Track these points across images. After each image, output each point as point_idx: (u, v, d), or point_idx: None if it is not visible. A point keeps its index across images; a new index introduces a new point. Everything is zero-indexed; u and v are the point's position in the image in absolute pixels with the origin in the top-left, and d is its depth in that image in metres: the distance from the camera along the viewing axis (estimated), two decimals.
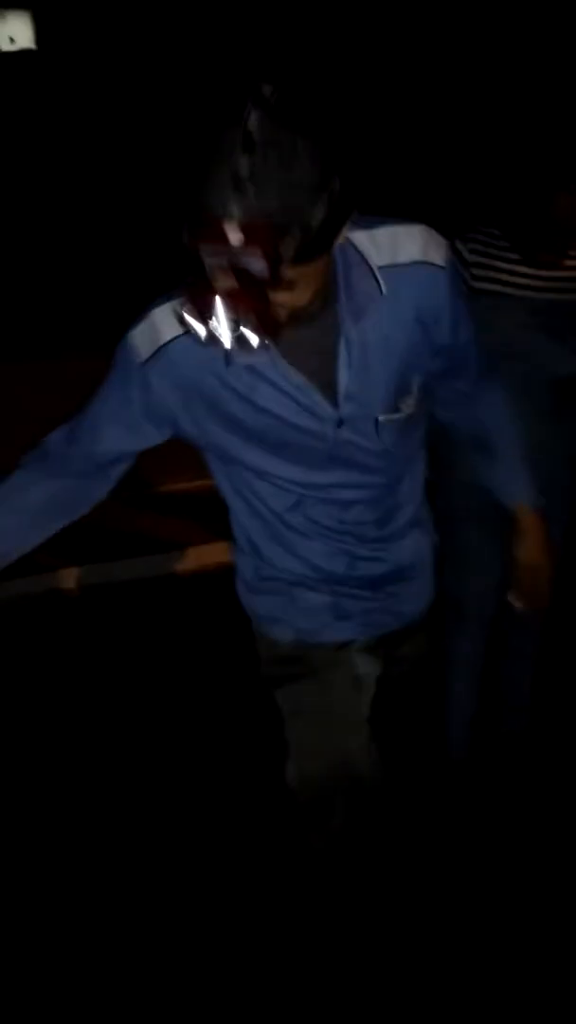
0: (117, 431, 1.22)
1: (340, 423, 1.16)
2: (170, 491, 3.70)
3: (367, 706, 1.41)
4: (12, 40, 8.99)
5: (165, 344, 1.12)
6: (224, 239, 0.87)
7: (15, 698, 2.68)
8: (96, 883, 2.02)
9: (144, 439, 1.24)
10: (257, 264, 0.87)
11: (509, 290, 1.83)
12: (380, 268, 1.09)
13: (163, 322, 1.11)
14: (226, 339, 0.94)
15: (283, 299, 0.97)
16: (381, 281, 1.09)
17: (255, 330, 0.93)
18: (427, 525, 1.45)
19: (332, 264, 1.05)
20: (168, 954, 1.82)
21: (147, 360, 1.13)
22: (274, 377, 1.12)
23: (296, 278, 0.95)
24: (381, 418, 1.18)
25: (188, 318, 0.95)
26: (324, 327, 1.09)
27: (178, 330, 1.08)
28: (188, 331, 1.02)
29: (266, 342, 0.96)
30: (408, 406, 1.21)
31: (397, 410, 1.19)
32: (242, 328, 0.93)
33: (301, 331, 1.06)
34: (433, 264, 1.13)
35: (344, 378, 1.13)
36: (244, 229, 0.87)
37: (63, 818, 2.22)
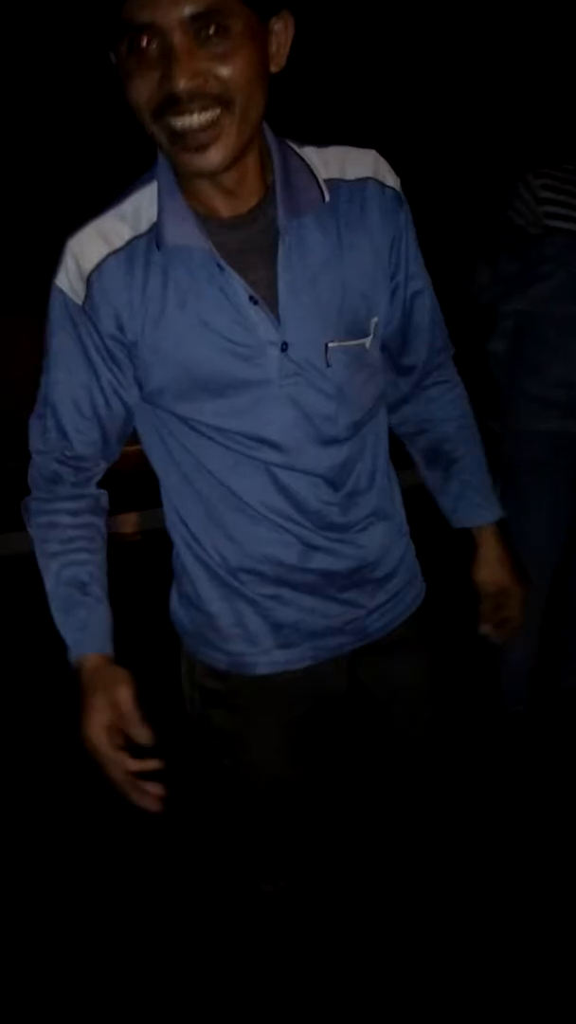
0: (93, 405, 1.06)
1: (284, 347, 1.01)
2: None
3: (309, 737, 1.27)
4: None
5: (93, 270, 0.99)
6: None
7: (22, 650, 2.74)
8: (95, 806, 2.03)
9: (124, 403, 1.08)
10: None
11: None
12: (326, 180, 1.01)
13: (83, 250, 0.99)
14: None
15: (210, 66, 0.85)
16: (325, 190, 1.00)
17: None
18: (398, 525, 1.24)
19: (267, 153, 1.00)
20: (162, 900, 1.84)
21: (85, 298, 1.00)
22: (211, 285, 0.99)
23: (216, 20, 0.83)
24: (331, 344, 1.04)
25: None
26: (263, 227, 0.99)
27: (102, 250, 0.99)
28: (113, 250, 0.98)
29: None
30: (363, 341, 1.08)
31: (347, 340, 1.06)
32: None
33: (239, 234, 0.99)
34: (384, 184, 1.05)
35: (284, 283, 1.00)
36: None
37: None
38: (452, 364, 1.28)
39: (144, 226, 0.99)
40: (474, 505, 1.27)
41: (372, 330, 1.08)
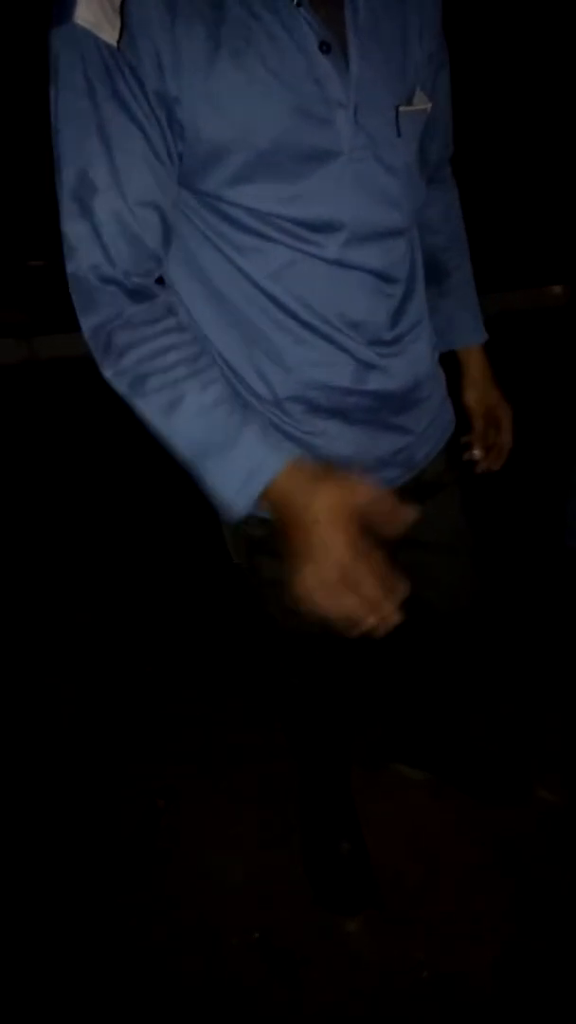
0: (156, 184, 0.83)
1: (356, 110, 0.86)
2: None
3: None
4: None
5: None
6: None
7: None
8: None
9: (174, 169, 0.86)
10: None
11: None
12: None
13: None
14: None
15: None
16: None
17: None
18: (432, 335, 1.13)
19: None
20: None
21: (121, 36, 0.76)
22: (277, 22, 0.81)
23: None
24: (402, 109, 0.90)
25: None
26: None
27: None
28: None
29: None
30: (426, 109, 0.95)
31: (413, 103, 0.92)
32: None
33: None
34: None
35: (353, 26, 0.85)
36: None
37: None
38: (450, 165, 1.18)
39: None
40: (466, 326, 1.23)
41: (421, 98, 0.94)
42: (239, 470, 0.82)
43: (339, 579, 0.77)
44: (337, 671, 1.30)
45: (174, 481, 0.98)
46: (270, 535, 1.09)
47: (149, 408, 0.85)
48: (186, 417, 0.84)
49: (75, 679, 2.06)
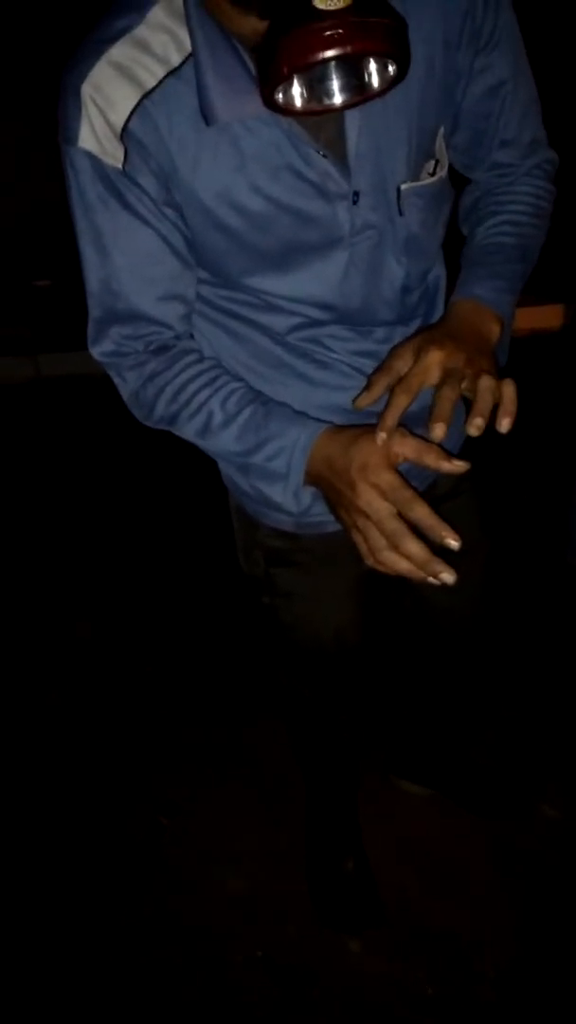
0: (172, 278, 0.90)
1: (355, 199, 0.86)
2: None
3: (372, 598, 1.20)
4: None
5: (128, 123, 0.79)
6: None
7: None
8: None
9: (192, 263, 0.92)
10: None
11: None
12: None
13: (108, 97, 0.78)
14: (335, 88, 0.70)
15: None
16: None
17: (384, 48, 0.64)
18: None
19: None
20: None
21: (125, 160, 0.81)
22: (272, 144, 0.81)
23: None
24: (404, 187, 0.89)
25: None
26: None
27: (134, 94, 0.78)
28: (146, 92, 0.77)
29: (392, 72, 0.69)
30: (431, 169, 0.91)
31: (420, 176, 0.90)
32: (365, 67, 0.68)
33: None
34: None
35: (351, 116, 0.81)
36: None
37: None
38: (542, 171, 1.01)
39: (176, 58, 0.78)
40: (469, 279, 0.96)
41: (439, 139, 0.91)
42: (280, 457, 0.87)
43: (385, 542, 0.79)
44: (347, 682, 1.31)
45: (176, 494, 1.01)
46: (291, 548, 1.13)
47: (191, 437, 0.93)
48: (218, 432, 0.90)
49: (76, 680, 2.07)
